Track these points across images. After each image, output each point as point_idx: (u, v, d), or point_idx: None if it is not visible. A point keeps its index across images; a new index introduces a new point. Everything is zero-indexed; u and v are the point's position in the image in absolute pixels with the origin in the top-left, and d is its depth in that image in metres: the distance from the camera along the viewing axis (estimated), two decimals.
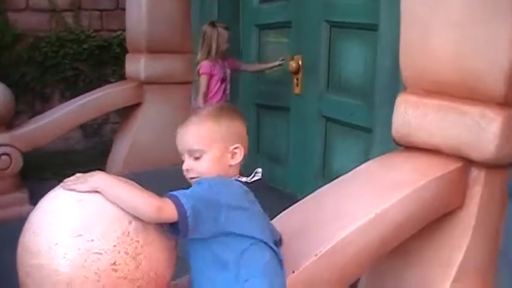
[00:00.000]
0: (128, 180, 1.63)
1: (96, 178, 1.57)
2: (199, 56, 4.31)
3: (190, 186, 1.67)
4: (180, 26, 5.27)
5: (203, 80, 4.21)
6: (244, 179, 1.73)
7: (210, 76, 4.21)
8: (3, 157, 4.74)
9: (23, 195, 4.76)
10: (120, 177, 1.62)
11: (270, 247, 1.66)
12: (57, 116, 5.10)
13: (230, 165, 1.72)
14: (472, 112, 2.21)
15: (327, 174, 4.00)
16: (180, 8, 5.27)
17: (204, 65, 4.22)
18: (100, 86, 5.89)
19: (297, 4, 4.24)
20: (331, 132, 4.05)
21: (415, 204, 2.13)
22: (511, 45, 2.08)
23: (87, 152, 6.49)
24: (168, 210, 1.50)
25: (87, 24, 6.60)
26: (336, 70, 3.95)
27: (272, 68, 4.43)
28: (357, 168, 2.37)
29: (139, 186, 1.61)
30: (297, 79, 4.27)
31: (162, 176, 5.08)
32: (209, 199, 1.56)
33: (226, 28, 4.25)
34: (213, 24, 4.28)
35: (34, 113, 5.94)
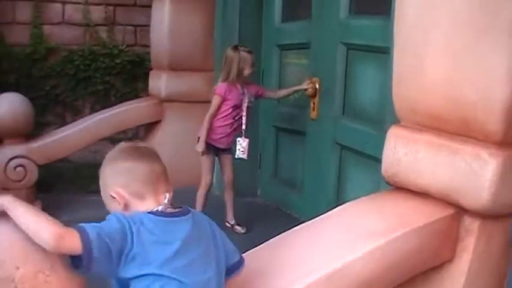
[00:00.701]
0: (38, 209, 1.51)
1: (4, 199, 1.49)
2: (220, 79, 4.02)
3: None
4: (202, 44, 5.11)
5: (215, 100, 3.95)
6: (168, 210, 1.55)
7: (223, 99, 3.90)
8: (18, 169, 4.68)
9: (36, 207, 4.64)
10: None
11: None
12: (75, 130, 5.01)
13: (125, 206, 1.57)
14: (465, 152, 1.89)
15: (340, 203, 3.71)
16: (202, 26, 5.11)
17: (220, 86, 3.94)
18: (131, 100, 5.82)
19: (315, 24, 4.00)
20: (345, 160, 3.79)
21: (391, 256, 1.82)
22: (509, 76, 1.75)
23: None
24: (71, 239, 1.39)
25: (121, 39, 6.52)
26: (352, 95, 3.69)
27: (298, 91, 4.11)
28: (333, 211, 2.08)
29: (48, 216, 1.46)
30: (314, 103, 4.03)
31: (177, 195, 4.92)
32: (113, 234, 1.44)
33: (249, 52, 3.93)
34: (235, 47, 3.96)
35: (64, 125, 5.85)
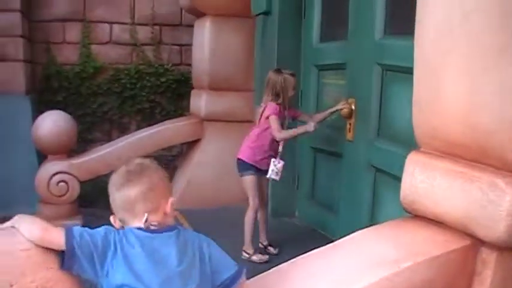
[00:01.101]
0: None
1: (16, 217, 1.66)
2: (266, 100, 3.97)
3: None
4: (242, 64, 5.14)
5: (275, 121, 3.85)
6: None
7: (278, 117, 3.87)
8: (60, 184, 4.81)
9: (77, 222, 4.78)
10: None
11: None
12: (116, 148, 5.11)
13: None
14: (482, 180, 1.81)
15: None
16: (243, 46, 5.15)
17: (273, 107, 3.88)
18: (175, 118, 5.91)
19: (352, 44, 3.95)
20: (380, 183, 3.70)
21: (399, 287, 1.75)
22: None
23: None
24: (56, 233, 1.57)
25: (167, 58, 6.65)
26: (387, 117, 3.60)
27: (333, 113, 4.03)
28: (348, 236, 2.03)
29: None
30: (350, 124, 3.96)
31: (216, 215, 4.95)
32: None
33: (293, 75, 3.95)
34: (279, 70, 3.95)
35: (110, 141, 5.98)
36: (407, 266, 1.76)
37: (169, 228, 1.68)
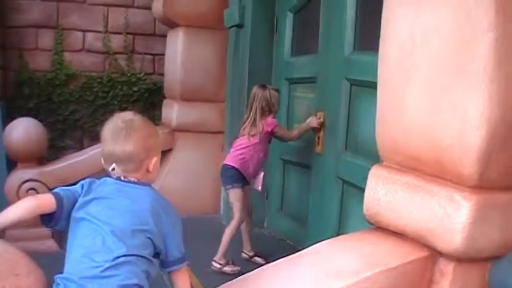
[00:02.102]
0: None
1: None
2: (250, 119, 3.98)
3: None
4: (214, 75, 5.20)
5: (283, 129, 4.09)
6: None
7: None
8: (30, 192, 4.76)
9: (46, 229, 4.74)
10: None
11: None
12: (88, 156, 5.10)
13: None
14: (440, 194, 1.89)
15: None
16: (215, 58, 5.22)
17: (270, 120, 3.96)
18: None
19: (322, 59, 4.04)
20: (347, 195, 3.77)
21: None
22: (482, 119, 1.76)
23: None
24: (47, 196, 1.79)
25: (140, 68, 6.66)
26: (354, 130, 3.69)
27: (309, 127, 4.05)
28: (312, 247, 2.09)
29: None
30: (319, 137, 4.04)
31: (186, 224, 4.97)
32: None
33: (276, 90, 4.05)
34: (263, 86, 4.02)
35: (82, 149, 5.96)
36: (366, 276, 1.83)
37: (145, 185, 1.83)
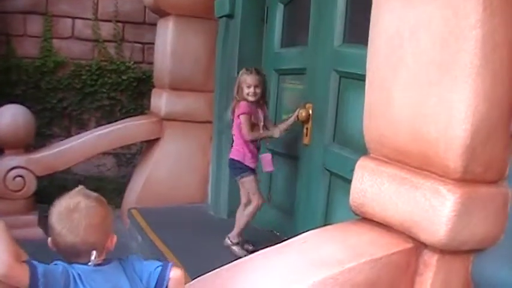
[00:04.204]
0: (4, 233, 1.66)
1: None
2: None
3: None
4: (203, 65, 5.20)
5: (243, 119, 3.93)
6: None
7: (249, 115, 3.93)
8: (17, 179, 4.79)
9: (32, 217, 4.77)
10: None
11: None
12: (75, 144, 5.11)
13: None
14: (425, 187, 1.93)
15: None
16: (204, 48, 5.21)
17: (242, 104, 3.94)
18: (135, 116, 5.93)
19: (311, 51, 4.04)
20: (334, 186, 3.78)
21: (343, 287, 1.84)
22: (468, 114, 1.79)
23: (117, 180, 6.47)
24: (20, 271, 1.57)
25: (129, 56, 6.65)
26: (342, 122, 3.70)
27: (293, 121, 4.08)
28: (298, 237, 2.12)
29: (11, 240, 1.63)
30: (307, 129, 4.05)
31: (173, 213, 4.99)
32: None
33: (250, 72, 3.94)
34: (245, 69, 4.01)
35: (69, 137, 5.95)
36: (351, 266, 1.86)
37: (111, 261, 1.77)
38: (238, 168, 4.04)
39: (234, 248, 3.99)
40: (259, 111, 4.01)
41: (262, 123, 4.02)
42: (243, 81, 3.94)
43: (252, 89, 3.92)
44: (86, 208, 1.69)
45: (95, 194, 1.78)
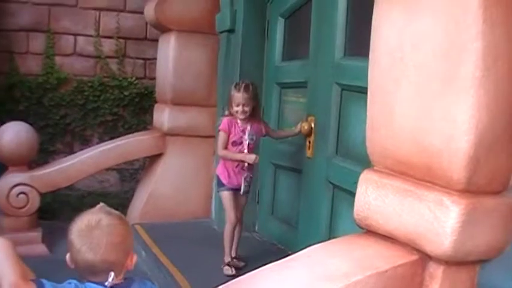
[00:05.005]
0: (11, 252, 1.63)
1: None
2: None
3: None
4: (205, 80, 5.23)
5: (219, 136, 3.93)
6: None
7: (227, 133, 3.87)
8: (20, 196, 4.78)
9: (36, 234, 4.76)
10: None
11: None
12: (78, 161, 5.11)
13: None
14: (429, 198, 1.92)
15: None
16: (206, 62, 5.24)
17: (222, 120, 3.94)
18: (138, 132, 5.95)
19: (312, 64, 4.06)
20: (337, 199, 3.79)
21: None
22: (471, 125, 1.79)
23: (120, 196, 6.47)
24: None
25: (131, 72, 6.68)
26: (345, 135, 3.72)
27: (294, 135, 4.16)
28: (303, 251, 2.12)
29: (18, 259, 1.62)
30: (309, 142, 4.06)
31: (177, 229, 4.98)
32: None
33: (239, 89, 3.83)
34: (234, 84, 3.94)
35: (72, 154, 5.96)
36: (357, 279, 1.85)
37: (129, 282, 1.74)
38: (217, 182, 4.03)
39: (224, 268, 3.92)
40: (249, 128, 3.89)
41: (251, 141, 3.89)
42: (232, 97, 3.87)
43: (240, 108, 3.83)
44: (107, 226, 1.66)
45: (116, 212, 1.75)
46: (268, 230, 4.90)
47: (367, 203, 2.17)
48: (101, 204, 1.77)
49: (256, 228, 5.04)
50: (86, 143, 6.54)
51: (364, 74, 3.41)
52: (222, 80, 5.03)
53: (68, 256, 1.69)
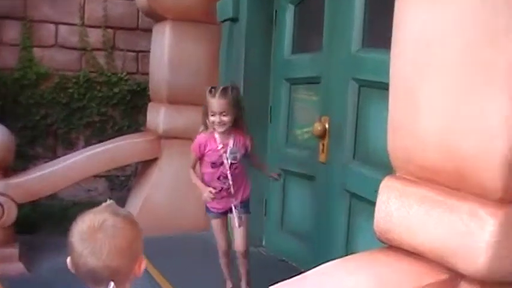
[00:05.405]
0: None
1: None
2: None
3: None
4: (205, 75, 5.22)
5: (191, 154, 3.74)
6: None
7: (200, 154, 3.67)
8: None
9: (13, 250, 4.74)
10: None
11: None
12: (61, 167, 5.10)
13: None
14: (461, 209, 1.91)
15: None
16: (206, 56, 5.25)
17: (197, 138, 3.70)
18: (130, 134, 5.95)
19: (326, 57, 4.07)
20: (356, 210, 3.82)
21: None
22: (507, 125, 1.77)
23: None
24: None
25: (121, 66, 6.67)
26: (363, 137, 3.73)
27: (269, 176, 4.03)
28: (318, 268, 2.11)
29: None
30: (323, 144, 4.07)
31: (174, 243, 4.98)
32: None
33: (212, 94, 3.55)
34: (208, 89, 3.62)
35: (54, 159, 5.96)
36: None
37: None
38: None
39: None
40: (231, 144, 3.65)
41: (233, 160, 3.64)
42: (208, 105, 3.57)
43: (217, 118, 3.53)
44: (112, 228, 1.65)
45: (124, 212, 1.75)
46: (276, 245, 4.90)
47: (389, 214, 2.16)
48: (109, 201, 1.76)
49: (264, 242, 5.05)
50: (70, 146, 6.53)
51: (385, 68, 3.39)
52: (225, 76, 5.04)
53: (68, 260, 1.69)
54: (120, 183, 6.83)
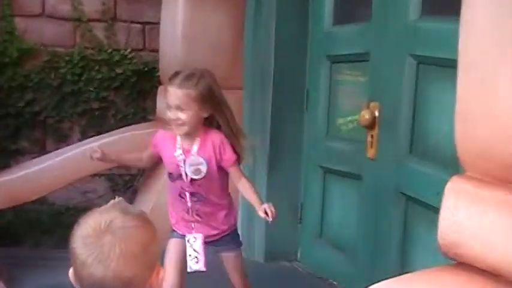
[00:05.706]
0: None
1: None
2: None
3: None
4: (227, 53, 5.22)
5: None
6: None
7: (154, 154, 3.59)
8: None
9: None
10: None
11: None
12: (50, 165, 5.12)
13: None
14: None
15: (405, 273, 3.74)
16: (229, 29, 5.23)
17: (156, 133, 3.60)
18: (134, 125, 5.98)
19: (377, 28, 4.05)
20: (412, 215, 3.81)
21: None
22: None
23: None
24: None
25: (125, 42, 6.68)
26: (423, 128, 3.71)
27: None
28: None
29: None
30: (372, 136, 4.06)
31: None
32: None
33: (171, 81, 3.36)
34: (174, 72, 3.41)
35: (43, 154, 5.99)
36: None
37: None
38: None
39: None
40: (194, 151, 3.38)
41: (195, 175, 3.34)
42: (167, 95, 3.40)
43: (172, 113, 3.29)
44: (122, 229, 1.65)
45: (136, 210, 1.75)
46: (314, 259, 4.91)
47: (457, 224, 2.15)
48: (118, 198, 1.76)
49: (299, 256, 5.08)
50: (63, 139, 6.54)
51: (451, 41, 3.38)
52: (251, 54, 5.04)
53: (70, 272, 1.69)
54: (123, 183, 6.84)
